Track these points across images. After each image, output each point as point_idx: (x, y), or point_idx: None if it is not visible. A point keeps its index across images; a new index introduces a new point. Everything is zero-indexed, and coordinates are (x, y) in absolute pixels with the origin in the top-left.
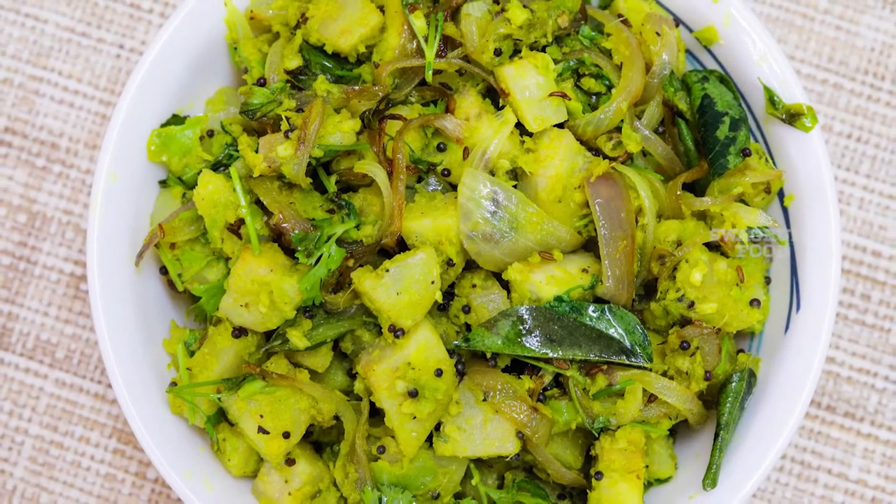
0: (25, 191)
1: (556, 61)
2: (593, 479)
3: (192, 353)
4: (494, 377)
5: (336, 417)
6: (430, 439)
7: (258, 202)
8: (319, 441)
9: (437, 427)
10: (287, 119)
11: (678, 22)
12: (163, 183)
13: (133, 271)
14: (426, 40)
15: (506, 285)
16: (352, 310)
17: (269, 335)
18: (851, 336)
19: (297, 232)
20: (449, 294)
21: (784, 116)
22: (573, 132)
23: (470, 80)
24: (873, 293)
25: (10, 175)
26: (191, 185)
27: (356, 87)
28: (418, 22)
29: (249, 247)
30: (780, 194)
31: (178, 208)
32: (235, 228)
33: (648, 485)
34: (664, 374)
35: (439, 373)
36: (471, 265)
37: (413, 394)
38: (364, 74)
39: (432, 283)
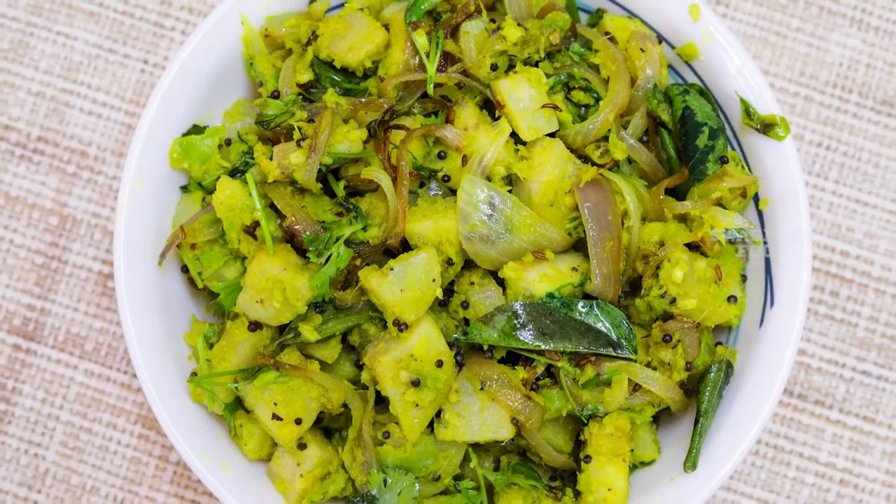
0: (57, 195)
1: (548, 75)
2: (582, 462)
3: (211, 346)
4: (491, 368)
5: (344, 405)
6: (431, 425)
7: (272, 206)
8: (329, 427)
9: (438, 414)
10: (299, 129)
11: (661, 39)
12: (184, 188)
13: (156, 270)
14: (428, 56)
15: (501, 283)
16: (359, 305)
17: (282, 329)
18: (821, 330)
19: (308, 233)
20: (449, 291)
21: (759, 126)
22: (564, 141)
23: (468, 93)
24: (841, 290)
25: (42, 181)
26: (210, 190)
27: (363, 100)
28: (420, 39)
29: (264, 247)
30: (756, 198)
31: (198, 211)
32: (251, 230)
33: (633, 467)
34: (648, 364)
35: (440, 364)
36: (469, 264)
37: (416, 383)
38: (370, 88)
39: (433, 280)
